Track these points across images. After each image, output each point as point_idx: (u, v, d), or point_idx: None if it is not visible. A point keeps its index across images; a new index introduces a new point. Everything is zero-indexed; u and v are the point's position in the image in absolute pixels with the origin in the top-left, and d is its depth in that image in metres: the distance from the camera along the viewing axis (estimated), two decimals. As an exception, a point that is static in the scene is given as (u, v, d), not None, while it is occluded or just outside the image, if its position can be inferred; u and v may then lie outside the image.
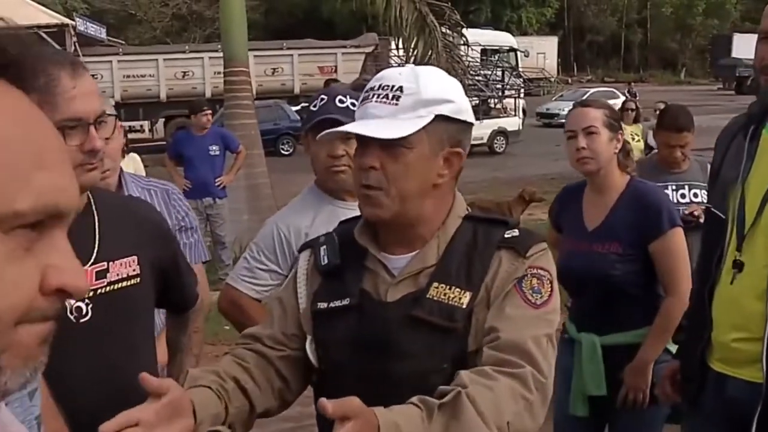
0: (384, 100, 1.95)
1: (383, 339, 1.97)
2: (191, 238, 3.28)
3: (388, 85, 1.97)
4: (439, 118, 1.95)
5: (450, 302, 1.95)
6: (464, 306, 1.94)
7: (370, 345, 1.98)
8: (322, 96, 3.06)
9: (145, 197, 3.10)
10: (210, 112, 10.20)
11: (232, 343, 7.36)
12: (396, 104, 1.94)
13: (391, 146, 1.93)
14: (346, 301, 2.05)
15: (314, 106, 3.05)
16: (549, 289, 1.97)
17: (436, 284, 1.97)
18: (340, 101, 2.98)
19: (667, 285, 3.61)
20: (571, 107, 3.84)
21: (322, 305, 2.09)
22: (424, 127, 1.93)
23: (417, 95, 1.94)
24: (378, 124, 1.93)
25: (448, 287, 1.96)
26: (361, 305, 2.03)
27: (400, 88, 1.95)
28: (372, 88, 2.00)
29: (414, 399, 1.75)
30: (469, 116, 2.06)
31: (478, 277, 1.98)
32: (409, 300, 1.98)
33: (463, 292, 1.95)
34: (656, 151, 5.77)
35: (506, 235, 2.02)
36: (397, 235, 2.05)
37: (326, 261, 2.14)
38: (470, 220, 2.08)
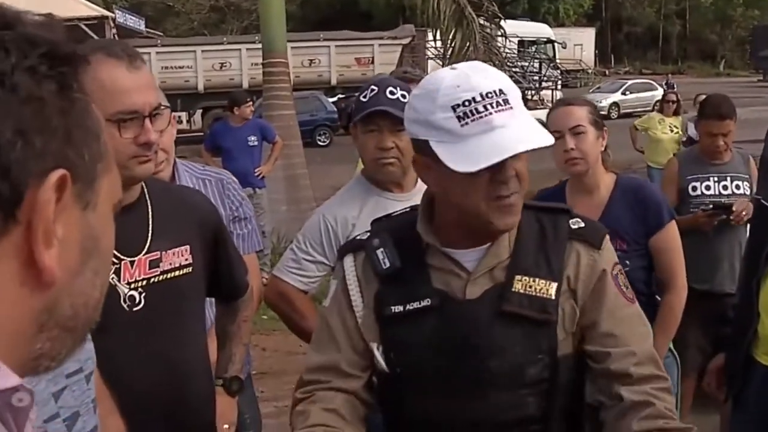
0: (502, 108, 1.84)
1: (473, 337, 1.95)
2: (245, 228, 3.25)
3: (491, 92, 1.84)
4: None
5: (539, 294, 1.95)
6: (553, 297, 1.96)
7: (458, 344, 1.96)
8: (373, 87, 2.99)
9: (199, 187, 3.10)
10: (251, 102, 10.27)
11: (271, 332, 7.41)
12: (511, 107, 1.85)
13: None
14: (426, 302, 1.99)
15: (364, 97, 2.99)
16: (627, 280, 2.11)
17: (519, 277, 1.96)
18: (391, 92, 2.92)
19: (668, 280, 3.57)
20: (554, 107, 3.74)
21: (397, 308, 2.02)
22: None
23: (514, 91, 1.89)
24: (521, 130, 1.84)
25: (531, 279, 1.96)
26: (441, 305, 1.99)
27: (501, 91, 1.85)
28: (473, 100, 1.83)
29: None
30: None
31: (558, 267, 1.99)
32: (494, 295, 1.96)
33: (548, 283, 1.96)
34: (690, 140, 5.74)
35: (573, 226, 2.04)
36: (471, 231, 1.99)
37: (387, 264, 2.06)
38: (529, 210, 2.03)
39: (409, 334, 2.00)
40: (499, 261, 1.99)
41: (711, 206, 4.87)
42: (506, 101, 1.84)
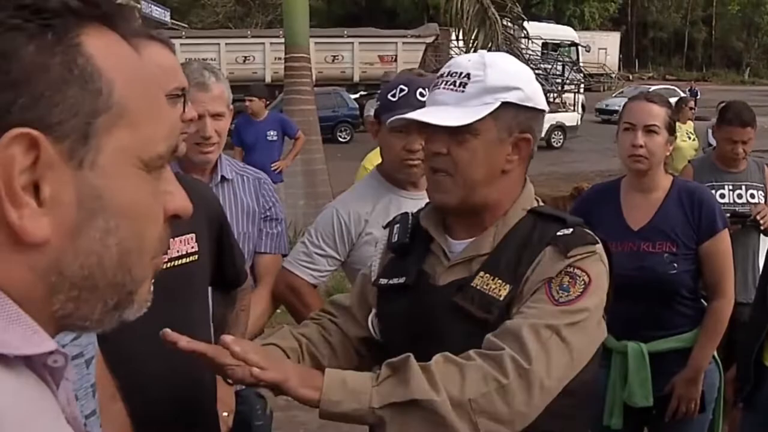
0: (451, 87, 1.97)
1: (427, 322, 2.01)
2: (274, 228, 3.30)
3: (456, 72, 1.99)
4: (506, 105, 1.96)
5: (490, 293, 1.94)
6: (501, 298, 1.93)
7: (418, 326, 2.02)
8: (402, 86, 2.94)
9: (238, 181, 3.21)
10: (251, 100, 10.29)
11: (282, 326, 7.46)
12: (462, 91, 1.95)
13: (457, 133, 1.95)
14: (402, 280, 2.09)
15: (393, 96, 2.93)
16: (580, 290, 1.89)
17: (482, 273, 1.98)
18: (421, 94, 2.84)
19: (715, 286, 3.49)
20: (633, 99, 3.66)
21: (383, 281, 2.15)
22: (490, 114, 1.94)
23: (483, 83, 1.95)
24: (444, 111, 1.96)
25: (492, 278, 1.96)
26: (416, 286, 2.07)
27: (467, 75, 1.96)
28: (442, 75, 2.02)
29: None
30: (539, 103, 2.04)
31: (522, 272, 1.95)
32: (456, 286, 2.00)
33: (504, 284, 1.94)
34: (712, 148, 5.69)
35: (558, 233, 1.97)
36: (462, 220, 2.07)
37: (396, 239, 2.20)
38: (533, 214, 2.06)
39: (387, 307, 2.14)
40: (477, 254, 2.02)
41: (728, 215, 4.84)
42: (463, 84, 1.96)
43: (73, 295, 0.85)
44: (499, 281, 1.95)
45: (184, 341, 1.88)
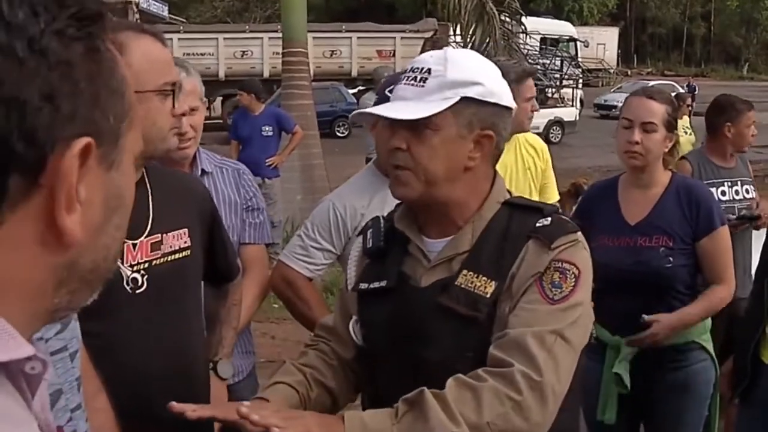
0: (412, 82, 1.98)
1: (413, 324, 1.99)
2: (257, 218, 3.31)
3: (418, 68, 1.99)
4: (467, 100, 1.94)
5: (475, 291, 1.93)
6: (488, 295, 1.92)
7: (403, 329, 2.01)
8: None
9: (217, 173, 3.22)
10: (241, 94, 10.29)
11: (281, 321, 7.39)
12: (422, 86, 1.95)
13: (416, 128, 1.94)
14: (383, 283, 2.09)
15: (390, 92, 2.91)
16: (572, 285, 1.90)
17: (465, 272, 1.97)
18: None
19: (715, 279, 3.47)
20: (633, 94, 3.65)
21: (363, 286, 2.14)
22: (450, 109, 1.93)
23: (443, 77, 1.95)
24: (404, 105, 1.95)
25: (476, 276, 1.95)
26: (398, 288, 2.06)
27: (428, 71, 1.96)
28: (405, 71, 2.04)
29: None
30: (504, 99, 2.01)
31: (507, 266, 1.94)
32: (439, 286, 1.99)
33: (489, 281, 1.93)
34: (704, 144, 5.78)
35: (537, 224, 1.97)
36: (432, 218, 2.07)
37: (371, 244, 2.18)
38: (508, 206, 2.05)
39: (370, 312, 2.12)
40: (456, 252, 2.01)
41: (736, 217, 4.84)
42: (423, 79, 1.95)
43: (73, 288, 0.86)
44: (484, 278, 1.94)
45: (190, 411, 1.90)
